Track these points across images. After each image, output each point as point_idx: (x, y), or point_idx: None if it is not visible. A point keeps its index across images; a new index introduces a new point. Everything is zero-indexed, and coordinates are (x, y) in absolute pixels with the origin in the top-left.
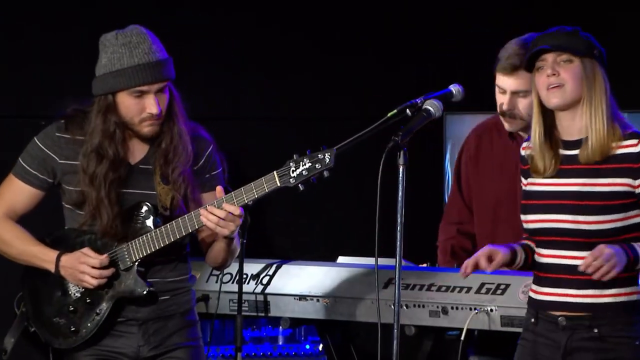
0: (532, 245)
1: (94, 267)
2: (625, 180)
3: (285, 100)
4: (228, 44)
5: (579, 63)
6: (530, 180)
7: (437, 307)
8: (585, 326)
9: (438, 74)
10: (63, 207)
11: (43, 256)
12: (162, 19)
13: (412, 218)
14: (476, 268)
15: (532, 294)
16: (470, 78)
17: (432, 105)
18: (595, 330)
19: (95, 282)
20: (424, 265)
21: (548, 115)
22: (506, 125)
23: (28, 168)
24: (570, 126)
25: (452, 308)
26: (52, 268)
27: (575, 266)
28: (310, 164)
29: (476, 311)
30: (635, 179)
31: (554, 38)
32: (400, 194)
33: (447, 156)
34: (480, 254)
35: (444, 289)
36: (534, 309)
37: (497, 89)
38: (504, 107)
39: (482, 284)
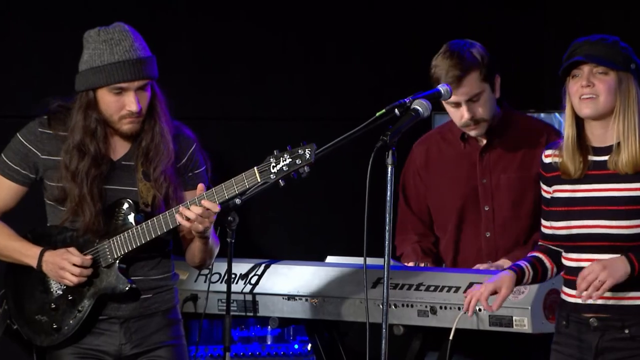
0: (542, 257)
1: (74, 265)
2: None
3: (272, 101)
4: (214, 44)
5: (614, 76)
6: (556, 187)
7: (426, 306)
8: (617, 327)
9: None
10: (45, 203)
11: (26, 251)
12: (150, 18)
13: None
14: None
15: (563, 297)
16: None
17: (420, 105)
18: (626, 331)
19: (75, 279)
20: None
21: (579, 123)
22: (474, 133)
23: (10, 163)
24: (602, 135)
25: (440, 308)
26: (34, 264)
27: None
28: (290, 160)
29: (465, 311)
30: None
31: (592, 48)
32: (388, 193)
33: None
34: (482, 295)
35: (432, 288)
36: (566, 312)
37: (447, 107)
38: (466, 117)
39: (471, 284)
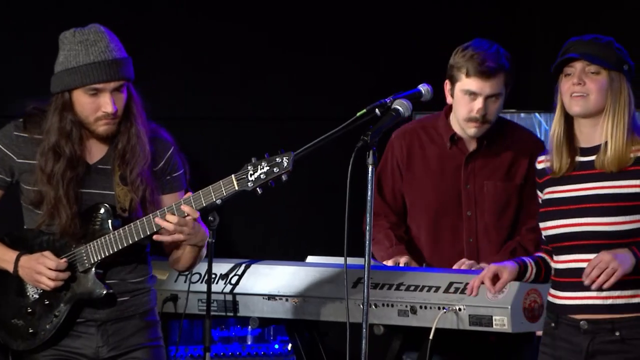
0: (547, 258)
1: (50, 269)
2: None
3: (252, 101)
4: (196, 45)
5: (606, 76)
6: (547, 189)
7: (406, 306)
8: (607, 329)
9: (407, 74)
10: (22, 206)
11: (2, 255)
12: (134, 19)
13: None
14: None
15: (551, 299)
16: (439, 78)
17: (401, 105)
18: (617, 333)
19: (51, 283)
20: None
21: (568, 121)
22: (473, 131)
23: None
24: (590, 134)
25: (420, 307)
26: (10, 268)
27: None
28: (268, 168)
29: (445, 310)
30: None
31: (586, 47)
32: (369, 193)
33: None
34: (486, 275)
35: (412, 288)
36: (554, 314)
37: (461, 94)
38: (479, 112)
39: (451, 284)
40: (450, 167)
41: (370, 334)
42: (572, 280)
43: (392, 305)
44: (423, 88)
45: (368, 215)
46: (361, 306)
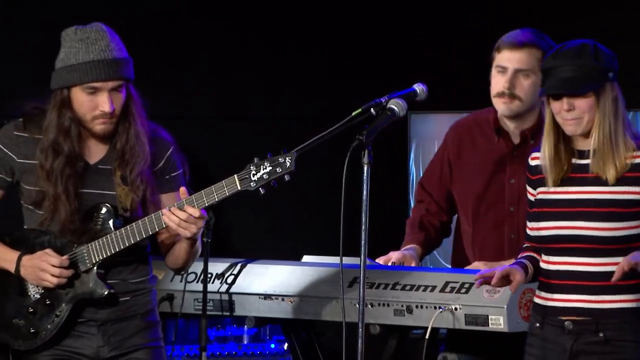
0: (537, 256)
1: (53, 266)
2: (638, 189)
3: (249, 100)
4: (198, 44)
5: (592, 94)
6: (541, 189)
7: (402, 305)
8: (592, 330)
9: (402, 73)
10: (22, 207)
11: (3, 256)
12: (134, 17)
13: (376, 217)
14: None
15: (538, 300)
16: (434, 77)
17: (396, 105)
18: (601, 334)
19: (55, 280)
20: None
21: (560, 128)
22: (502, 108)
23: None
24: (585, 140)
25: (416, 307)
26: (12, 268)
27: (587, 272)
28: (270, 168)
29: (441, 310)
30: None
31: (567, 69)
32: (365, 192)
33: (412, 155)
34: (498, 273)
35: (408, 287)
36: (540, 315)
37: (494, 71)
38: (505, 85)
39: (447, 283)
40: (496, 161)
41: (366, 334)
42: (561, 282)
43: (388, 305)
44: (418, 87)
45: (364, 214)
46: (357, 306)
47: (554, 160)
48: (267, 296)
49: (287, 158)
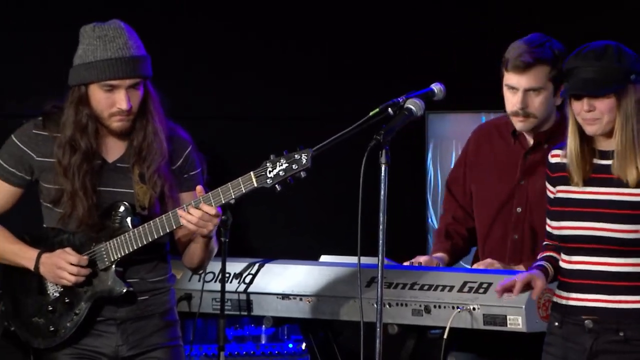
0: (557, 256)
1: (72, 265)
2: None
3: (266, 100)
4: (197, 46)
5: (614, 95)
6: (561, 187)
7: (420, 305)
8: (612, 330)
9: (402, 73)
10: (41, 205)
11: (23, 254)
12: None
13: (394, 217)
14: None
15: (558, 300)
16: (453, 77)
17: (413, 104)
18: (621, 334)
19: (73, 278)
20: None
21: (582, 130)
22: (519, 125)
23: (5, 165)
24: (607, 141)
25: (434, 307)
26: (31, 266)
27: (607, 272)
28: (287, 165)
29: (459, 310)
30: None
31: (589, 70)
32: (382, 192)
33: (429, 155)
34: (519, 282)
35: (426, 287)
36: (560, 314)
37: (506, 89)
38: (517, 106)
39: (465, 283)
40: (511, 162)
41: (384, 334)
42: (581, 282)
43: (406, 305)
44: (436, 87)
45: (381, 214)
46: (375, 305)
47: (580, 158)
48: (285, 296)
49: (303, 155)
